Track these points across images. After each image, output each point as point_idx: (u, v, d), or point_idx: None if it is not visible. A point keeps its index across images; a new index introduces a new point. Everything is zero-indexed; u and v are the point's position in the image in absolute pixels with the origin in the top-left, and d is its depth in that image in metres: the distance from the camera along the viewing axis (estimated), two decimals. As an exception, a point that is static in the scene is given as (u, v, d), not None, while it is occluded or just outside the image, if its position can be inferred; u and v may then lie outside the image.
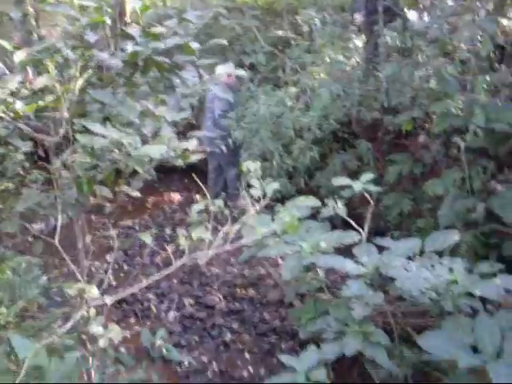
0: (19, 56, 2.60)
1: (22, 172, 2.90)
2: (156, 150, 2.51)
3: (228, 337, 4.82)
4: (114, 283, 5.60)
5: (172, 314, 5.11)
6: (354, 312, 3.80)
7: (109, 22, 3.05)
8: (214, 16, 7.74)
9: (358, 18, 7.01)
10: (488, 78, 5.08)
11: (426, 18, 6.02)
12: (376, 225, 6.23)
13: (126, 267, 5.98)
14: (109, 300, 2.66)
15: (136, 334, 4.80)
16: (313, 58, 6.89)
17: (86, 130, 2.44)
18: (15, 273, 3.66)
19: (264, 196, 3.02)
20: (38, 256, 3.57)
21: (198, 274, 5.74)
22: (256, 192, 3.03)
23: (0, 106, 2.40)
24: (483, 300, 3.94)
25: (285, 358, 3.75)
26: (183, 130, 8.18)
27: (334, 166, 6.35)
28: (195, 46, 3.29)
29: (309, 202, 3.24)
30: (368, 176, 4.48)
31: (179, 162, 2.91)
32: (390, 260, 4.03)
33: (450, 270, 3.89)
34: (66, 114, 2.48)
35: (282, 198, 6.52)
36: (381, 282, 4.13)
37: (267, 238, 4.90)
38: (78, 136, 2.38)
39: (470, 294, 3.73)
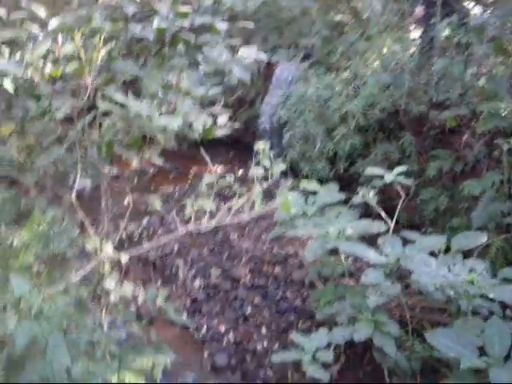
0: (52, 24, 2.70)
1: (59, 131, 3.01)
2: (171, 122, 2.58)
3: (248, 310, 4.91)
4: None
5: (197, 282, 5.23)
6: (368, 300, 3.83)
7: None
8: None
9: (418, 10, 6.91)
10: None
11: (486, 14, 5.91)
12: (411, 218, 6.23)
13: (160, 231, 6.11)
14: (124, 258, 2.76)
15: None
16: (367, 46, 6.85)
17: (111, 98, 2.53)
18: (48, 225, 3.79)
19: (272, 175, 3.03)
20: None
21: (228, 247, 5.84)
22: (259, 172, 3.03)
23: (31, 68, 2.50)
24: (505, 305, 3.94)
25: (295, 336, 3.82)
26: (231, 105, 8.38)
27: (375, 155, 6.33)
28: (223, 26, 3.33)
29: (310, 185, 3.25)
30: (400, 168, 4.46)
31: (199, 136, 2.98)
32: (411, 253, 4.04)
33: (470, 270, 3.88)
34: (89, 81, 2.57)
35: (320, 181, 6.62)
36: (401, 274, 4.16)
37: (298, 218, 5.00)
38: (99, 102, 2.47)
39: (488, 297, 3.74)
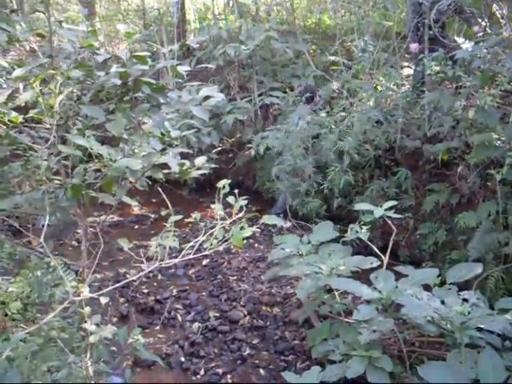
0: (16, 72, 2.74)
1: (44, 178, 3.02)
2: (132, 163, 2.59)
3: (247, 352, 4.82)
4: (145, 290, 5.76)
5: (196, 325, 5.15)
6: (360, 336, 3.75)
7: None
8: (267, 39, 7.86)
9: (413, 46, 6.95)
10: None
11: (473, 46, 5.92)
12: (411, 253, 6.19)
13: (159, 277, 6.08)
14: (103, 299, 2.73)
15: (158, 341, 4.89)
16: (360, 84, 6.89)
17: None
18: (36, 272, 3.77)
19: (240, 211, 3.00)
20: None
21: (227, 289, 5.78)
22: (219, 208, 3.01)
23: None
24: (505, 337, 3.84)
25: (287, 376, 3.73)
26: (230, 148, 8.43)
27: (372, 191, 6.31)
28: (184, 68, 3.36)
29: (270, 220, 3.21)
30: (390, 203, 4.42)
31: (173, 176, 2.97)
32: (404, 287, 3.97)
33: (463, 302, 3.80)
34: (48, 125, 2.59)
35: (314, 219, 6.60)
36: (398, 309, 4.08)
37: (292, 257, 4.97)
38: (59, 146, 2.49)
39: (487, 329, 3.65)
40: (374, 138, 6.31)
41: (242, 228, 2.93)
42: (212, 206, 3.28)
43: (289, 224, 7.04)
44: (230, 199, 3.13)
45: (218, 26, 9.10)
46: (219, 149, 8.00)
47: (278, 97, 8.01)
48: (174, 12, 10.19)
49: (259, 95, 8.33)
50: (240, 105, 8.13)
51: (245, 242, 6.90)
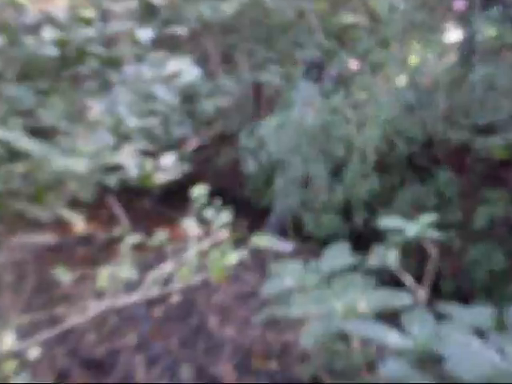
0: None
1: None
2: (74, 164, 2.56)
3: (232, 421, 4.83)
4: (93, 338, 5.74)
5: (163, 386, 5.15)
6: (388, 401, 3.74)
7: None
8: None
9: (459, 4, 6.96)
10: None
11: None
12: (458, 286, 6.18)
13: (113, 319, 6.06)
14: (34, 351, 2.71)
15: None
16: (387, 55, 6.90)
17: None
18: None
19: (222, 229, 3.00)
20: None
21: (205, 335, 5.77)
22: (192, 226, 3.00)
23: None
24: None
25: None
26: (211, 141, 8.45)
27: (403, 201, 6.30)
28: (146, 34, 3.34)
29: (261, 241, 3.21)
30: (429, 217, 4.41)
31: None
32: (447, 333, 3.96)
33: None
34: None
35: (328, 239, 6.60)
36: (436, 362, 4.07)
37: (295, 292, 4.95)
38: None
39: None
40: (405, 128, 6.30)
41: (223, 253, 2.92)
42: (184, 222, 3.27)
43: (290, 246, 7.04)
44: (209, 213, 3.13)
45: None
46: (195, 144, 7.98)
47: (275, 74, 7.99)
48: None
49: (249, 70, 8.30)
50: (223, 84, 8.10)
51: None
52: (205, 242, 3.09)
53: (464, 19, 6.85)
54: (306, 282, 4.97)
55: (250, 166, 6.76)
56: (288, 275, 5.09)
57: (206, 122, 8.20)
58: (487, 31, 5.64)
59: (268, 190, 7.30)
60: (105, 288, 3.21)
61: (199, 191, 3.17)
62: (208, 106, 7.76)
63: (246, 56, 8.26)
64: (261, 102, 8.40)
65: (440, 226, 5.76)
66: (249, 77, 8.11)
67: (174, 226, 7.91)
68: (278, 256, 7.11)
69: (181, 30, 5.29)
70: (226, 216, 3.10)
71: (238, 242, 3.71)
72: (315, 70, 7.32)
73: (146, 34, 3.32)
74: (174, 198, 8.48)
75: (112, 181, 2.88)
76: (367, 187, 6.22)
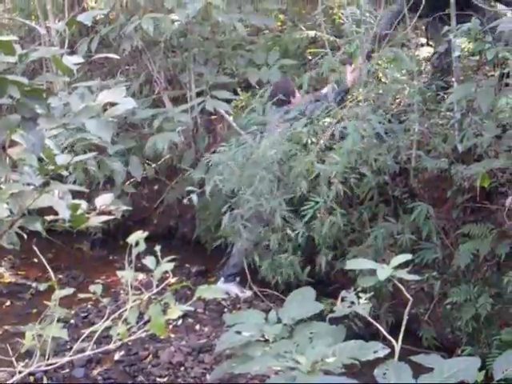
0: None
1: None
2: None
3: None
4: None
5: None
6: None
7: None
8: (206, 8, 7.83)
9: None
10: None
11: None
12: (439, 334, 6.16)
13: (45, 381, 5.93)
14: None
15: None
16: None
17: None
18: None
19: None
20: None
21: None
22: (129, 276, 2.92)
23: None
24: None
25: None
26: (158, 175, 8.36)
27: (375, 239, 6.26)
28: (73, 61, 3.26)
29: (210, 293, 3.13)
30: (403, 258, 4.35)
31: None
32: (428, 389, 3.91)
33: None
34: None
35: (290, 287, 6.53)
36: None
37: (252, 345, 4.87)
38: None
39: None
40: (375, 156, 6.28)
41: (167, 305, 2.83)
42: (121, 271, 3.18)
43: (248, 293, 6.97)
44: (149, 261, 3.04)
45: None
46: (136, 177, 7.92)
47: (227, 101, 7.91)
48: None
49: (199, 95, 8.25)
50: (173, 115, 8.00)
51: (180, 322, 6.86)
52: (145, 294, 3.00)
53: (431, 32, 6.91)
54: (266, 334, 4.89)
55: (195, 201, 6.69)
56: (246, 326, 5.02)
57: (154, 156, 8.13)
58: (463, 47, 5.65)
59: (220, 229, 7.25)
60: (34, 348, 3.10)
61: (137, 238, 3.07)
62: (160, 144, 7.70)
63: (195, 77, 8.20)
64: (215, 131, 8.34)
65: (417, 267, 5.77)
66: (198, 104, 8.03)
67: (114, 270, 7.83)
68: (235, 304, 7.06)
69: (112, 55, 5.19)
70: (168, 265, 3.00)
71: (186, 291, 3.63)
72: (281, 95, 7.29)
73: (74, 60, 3.23)
74: (115, 239, 8.40)
75: (38, 226, 2.80)
76: (332, 224, 6.17)
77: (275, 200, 6.30)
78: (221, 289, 6.60)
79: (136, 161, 7.91)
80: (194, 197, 6.74)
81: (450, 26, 6.18)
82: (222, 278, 7.27)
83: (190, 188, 6.85)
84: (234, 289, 7.15)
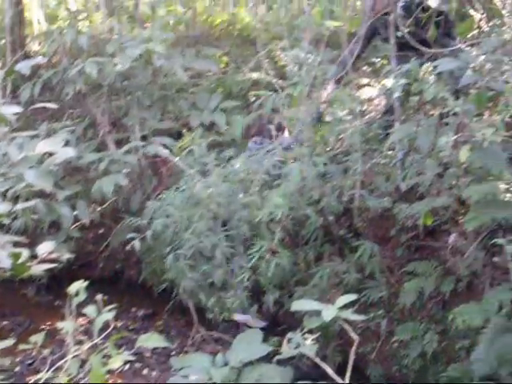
0: None
1: None
2: None
3: None
4: None
5: None
6: None
7: None
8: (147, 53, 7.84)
9: None
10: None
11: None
12: (386, 371, 6.13)
13: None
14: None
15: None
16: (296, 115, 6.92)
17: None
18: None
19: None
20: None
21: None
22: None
23: None
24: None
25: None
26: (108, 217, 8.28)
27: (321, 278, 6.25)
28: (10, 111, 3.24)
29: (153, 342, 3.12)
30: (348, 298, 4.35)
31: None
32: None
33: None
34: None
35: (238, 328, 6.51)
36: None
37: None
38: None
39: None
40: (319, 197, 6.29)
41: (109, 354, 2.79)
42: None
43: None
44: (90, 310, 3.00)
45: (76, 30, 9.00)
46: (83, 221, 7.85)
47: (169, 149, 7.89)
48: (5, 9, 10.05)
49: (143, 138, 8.22)
50: (117, 159, 7.96)
51: (127, 367, 6.77)
52: (86, 344, 2.96)
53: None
54: (213, 377, 4.85)
55: (137, 247, 6.66)
56: (193, 370, 4.97)
57: (100, 199, 8.06)
58: (403, 87, 5.68)
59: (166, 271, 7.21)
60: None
61: (78, 287, 3.03)
62: (107, 188, 7.65)
63: (137, 121, 8.17)
64: (160, 174, 8.31)
65: (363, 306, 5.77)
66: (142, 148, 8.01)
67: (60, 316, 7.71)
68: (183, 347, 6.99)
69: (49, 105, 5.15)
70: (108, 314, 2.97)
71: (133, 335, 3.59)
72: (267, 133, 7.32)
73: (13, 109, 3.20)
74: (61, 284, 8.26)
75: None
76: (275, 265, 6.15)
77: (216, 236, 6.29)
78: (239, 320, 6.60)
79: (83, 205, 7.84)
80: (136, 243, 6.70)
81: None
82: (239, 310, 7.14)
83: (131, 235, 6.81)
84: (250, 320, 7.03)
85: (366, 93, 7.83)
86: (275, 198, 6.18)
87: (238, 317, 7.01)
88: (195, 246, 6.44)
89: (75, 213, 7.60)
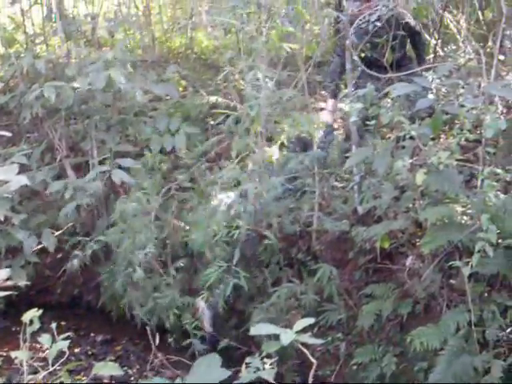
0: None
1: None
2: None
3: None
4: None
5: None
6: None
7: None
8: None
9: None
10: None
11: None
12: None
13: None
14: None
15: None
16: (255, 138, 6.93)
17: None
18: None
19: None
20: None
21: None
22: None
23: None
24: None
25: None
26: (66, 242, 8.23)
27: (278, 301, 6.24)
28: None
29: (109, 370, 3.10)
30: (304, 322, 4.33)
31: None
32: None
33: None
34: None
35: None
36: None
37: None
38: None
39: None
40: (277, 219, 6.30)
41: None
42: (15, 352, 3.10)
43: (155, 360, 6.87)
44: (45, 339, 2.97)
45: (34, 54, 8.96)
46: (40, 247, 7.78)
47: (129, 171, 7.88)
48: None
49: (101, 162, 8.18)
50: (82, 185, 7.91)
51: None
52: (41, 373, 2.93)
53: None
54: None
55: (75, 265, 6.66)
56: (150, 395, 4.93)
57: (57, 224, 8.02)
58: (359, 111, 5.71)
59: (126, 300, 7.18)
60: None
61: (32, 315, 3.01)
62: (70, 210, 7.63)
63: (97, 145, 8.14)
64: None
65: (321, 328, 5.76)
66: (102, 173, 7.97)
67: (17, 342, 7.63)
68: (142, 372, 6.94)
69: (4, 132, 5.11)
70: (63, 343, 2.94)
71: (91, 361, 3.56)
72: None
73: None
74: (20, 308, 8.17)
75: None
76: (232, 286, 6.15)
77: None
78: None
79: (48, 233, 7.79)
80: (75, 261, 6.70)
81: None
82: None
83: (75, 253, 6.82)
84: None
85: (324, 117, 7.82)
86: (233, 221, 6.20)
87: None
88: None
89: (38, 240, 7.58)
